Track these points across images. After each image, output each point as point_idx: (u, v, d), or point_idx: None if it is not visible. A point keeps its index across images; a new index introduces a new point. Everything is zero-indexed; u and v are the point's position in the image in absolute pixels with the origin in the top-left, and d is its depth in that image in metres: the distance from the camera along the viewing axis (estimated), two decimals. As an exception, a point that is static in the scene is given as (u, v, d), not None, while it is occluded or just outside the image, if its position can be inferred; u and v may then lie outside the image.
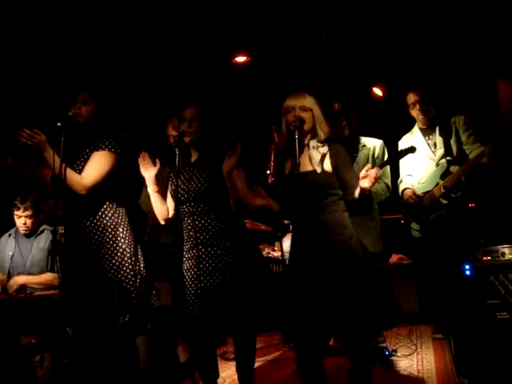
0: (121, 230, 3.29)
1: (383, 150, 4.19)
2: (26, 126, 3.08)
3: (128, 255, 3.28)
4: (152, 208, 3.38)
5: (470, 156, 4.24)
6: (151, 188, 3.28)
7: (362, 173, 2.86)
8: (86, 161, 3.24)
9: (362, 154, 4.16)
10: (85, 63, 5.06)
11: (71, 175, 3.15)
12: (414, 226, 4.42)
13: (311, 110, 3.05)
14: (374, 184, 2.87)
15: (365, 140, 4.20)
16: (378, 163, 4.12)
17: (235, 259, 3.16)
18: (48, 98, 4.74)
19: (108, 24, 4.94)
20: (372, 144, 4.19)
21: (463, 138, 4.29)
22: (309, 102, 3.06)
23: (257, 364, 4.26)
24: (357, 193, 2.92)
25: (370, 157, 4.15)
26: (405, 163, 4.46)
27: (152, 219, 3.72)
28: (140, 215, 3.93)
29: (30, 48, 4.96)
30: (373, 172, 2.83)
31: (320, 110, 3.10)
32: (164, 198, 3.33)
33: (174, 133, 3.88)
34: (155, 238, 4.23)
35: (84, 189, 3.17)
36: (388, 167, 4.16)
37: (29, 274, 4.31)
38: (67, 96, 3.27)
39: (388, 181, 4.16)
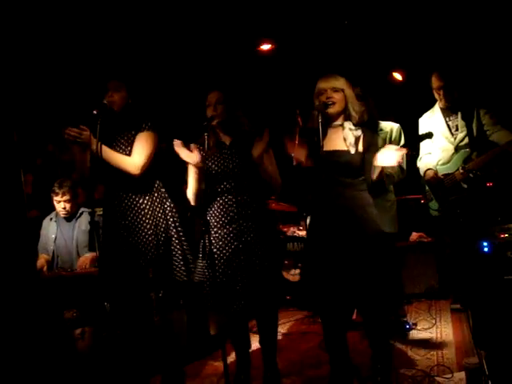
0: (169, 206, 3.30)
1: (400, 133, 4.14)
2: (63, 114, 3.11)
3: (165, 232, 3.26)
4: None
5: (491, 138, 4.16)
6: (196, 174, 3.19)
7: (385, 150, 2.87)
8: (129, 144, 3.23)
9: (379, 138, 4.10)
10: (114, 52, 5.06)
11: (122, 159, 3.18)
12: (433, 205, 4.37)
13: (343, 90, 3.02)
14: (398, 163, 2.86)
15: (382, 124, 4.15)
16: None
17: (268, 234, 3.20)
18: (82, 87, 4.76)
19: (136, 13, 4.93)
20: (389, 128, 4.13)
21: (484, 120, 4.20)
22: (340, 83, 3.03)
23: (283, 337, 4.31)
24: (377, 172, 2.91)
25: (388, 140, 4.09)
26: (424, 141, 4.39)
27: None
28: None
29: (63, 41, 4.98)
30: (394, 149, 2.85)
31: (352, 90, 3.07)
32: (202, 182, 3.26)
33: None
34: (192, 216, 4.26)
35: (138, 169, 3.17)
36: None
37: (73, 254, 4.37)
38: (99, 85, 3.28)
39: (403, 164, 4.09)
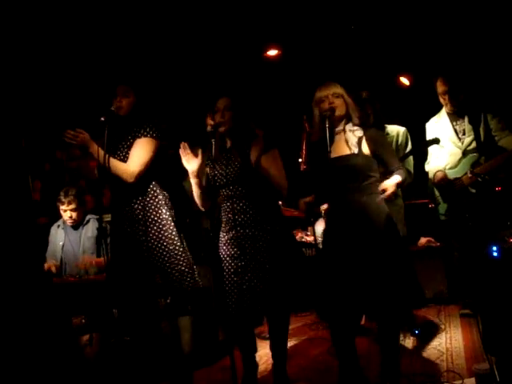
0: (163, 213, 3.26)
1: (406, 137, 4.11)
2: (71, 120, 3.13)
3: (170, 239, 3.24)
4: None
5: (500, 143, 4.12)
6: (194, 180, 3.21)
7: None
8: (128, 148, 3.22)
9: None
10: (122, 57, 5.08)
11: (118, 166, 3.16)
12: (441, 209, 4.33)
13: (342, 95, 3.05)
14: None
15: (388, 128, 4.12)
16: (402, 150, 4.05)
17: (272, 241, 3.14)
18: (90, 92, 4.78)
19: (144, 19, 4.95)
20: (395, 131, 4.11)
21: (492, 124, 4.15)
22: (339, 89, 3.06)
23: (292, 343, 4.27)
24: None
25: (394, 144, 4.07)
26: (432, 146, 4.36)
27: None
28: (184, 198, 3.91)
29: (72, 47, 5.01)
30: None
31: (349, 96, 3.09)
32: (205, 187, 3.28)
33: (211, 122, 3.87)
34: (197, 222, 4.23)
35: (132, 177, 3.16)
36: (411, 156, 4.08)
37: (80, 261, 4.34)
38: (108, 90, 3.28)
39: (410, 168, 4.07)
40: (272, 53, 6.03)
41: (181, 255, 3.25)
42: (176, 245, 3.25)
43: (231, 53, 5.66)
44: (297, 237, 5.54)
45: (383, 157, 3.02)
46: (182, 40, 5.40)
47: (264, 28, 5.42)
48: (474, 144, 4.18)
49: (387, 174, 3.02)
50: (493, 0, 4.97)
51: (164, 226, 3.23)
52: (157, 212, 3.23)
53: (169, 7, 4.91)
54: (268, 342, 3.39)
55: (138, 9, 4.80)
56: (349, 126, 3.05)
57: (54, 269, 4.24)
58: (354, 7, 5.22)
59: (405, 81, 5.99)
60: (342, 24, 5.46)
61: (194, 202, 3.38)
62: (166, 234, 3.23)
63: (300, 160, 4.55)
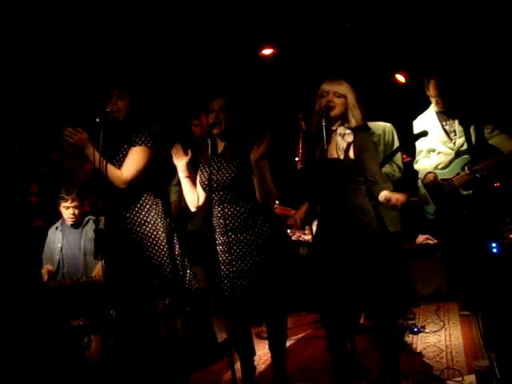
0: (158, 220, 3.26)
1: (392, 133, 4.04)
2: (67, 124, 3.12)
3: (165, 243, 3.24)
4: (175, 197, 3.33)
5: (490, 141, 4.11)
6: (183, 174, 3.24)
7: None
8: (124, 156, 3.22)
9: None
10: (117, 60, 5.07)
11: (111, 171, 3.16)
12: (429, 209, 4.30)
13: (345, 96, 2.97)
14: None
15: (373, 126, 4.00)
16: (389, 147, 3.99)
17: (264, 244, 3.12)
18: (87, 96, 4.76)
19: (138, 20, 4.93)
20: (381, 129, 4.02)
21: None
22: (343, 88, 2.98)
23: (289, 342, 4.25)
24: (383, 199, 2.85)
25: (382, 142, 3.99)
26: (421, 144, 4.32)
27: (177, 207, 3.75)
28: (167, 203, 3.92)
29: (67, 49, 4.99)
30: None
31: (355, 98, 3.01)
32: (194, 184, 3.28)
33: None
34: (182, 225, 4.20)
35: (123, 183, 3.16)
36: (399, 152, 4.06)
37: (80, 262, 4.31)
38: (103, 93, 3.26)
39: (399, 163, 4.02)
40: (267, 51, 6.01)
41: (170, 263, 3.24)
42: (167, 256, 3.24)
43: (226, 52, 5.63)
44: (294, 236, 5.52)
45: (364, 162, 2.96)
46: (176, 40, 5.38)
47: (259, 27, 5.40)
48: (466, 145, 4.16)
49: (366, 181, 2.98)
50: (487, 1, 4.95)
51: (155, 235, 3.23)
52: (150, 221, 3.23)
53: (162, 7, 4.88)
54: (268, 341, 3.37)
55: (132, 8, 4.78)
56: (341, 129, 2.98)
57: (46, 277, 4.18)
58: (349, 5, 5.20)
59: (400, 78, 5.97)
60: (337, 22, 5.45)
61: (178, 203, 3.38)
62: (157, 243, 3.22)
63: (297, 159, 4.54)
